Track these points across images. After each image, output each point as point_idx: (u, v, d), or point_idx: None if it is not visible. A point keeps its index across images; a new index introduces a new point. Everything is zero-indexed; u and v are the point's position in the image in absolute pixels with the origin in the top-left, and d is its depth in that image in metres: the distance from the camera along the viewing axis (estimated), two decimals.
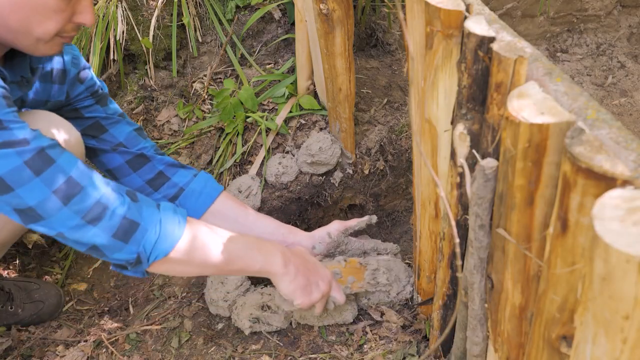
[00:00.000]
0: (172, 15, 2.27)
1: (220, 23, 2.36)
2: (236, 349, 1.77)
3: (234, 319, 1.82)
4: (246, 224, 1.76)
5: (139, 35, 2.23)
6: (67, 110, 1.64)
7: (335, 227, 1.81)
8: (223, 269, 1.49)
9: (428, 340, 1.73)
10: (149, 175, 1.73)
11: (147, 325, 1.84)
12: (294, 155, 2.18)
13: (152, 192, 1.73)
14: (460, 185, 1.18)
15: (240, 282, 1.85)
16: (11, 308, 1.84)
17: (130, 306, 1.92)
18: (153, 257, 1.35)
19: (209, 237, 1.44)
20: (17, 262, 2.05)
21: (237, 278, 1.84)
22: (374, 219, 1.86)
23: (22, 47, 1.29)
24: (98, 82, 1.68)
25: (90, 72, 1.66)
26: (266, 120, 2.19)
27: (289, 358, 1.74)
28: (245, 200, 2.10)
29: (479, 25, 0.99)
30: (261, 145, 2.19)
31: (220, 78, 2.34)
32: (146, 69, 2.30)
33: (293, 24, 2.34)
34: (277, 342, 1.78)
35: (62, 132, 1.53)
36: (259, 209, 2.12)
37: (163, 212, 1.38)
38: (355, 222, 1.83)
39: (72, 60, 1.59)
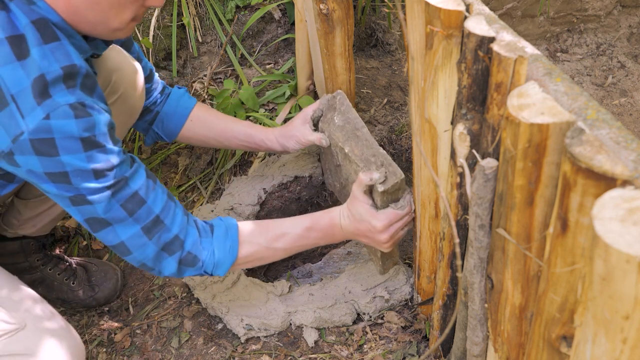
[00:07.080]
0: (172, 15, 2.27)
1: (220, 23, 2.36)
2: (236, 349, 1.77)
3: (229, 323, 1.81)
4: (220, 132, 1.86)
5: (139, 35, 2.23)
6: None
7: (301, 132, 1.81)
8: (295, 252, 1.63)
9: (428, 340, 1.73)
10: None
11: (147, 325, 1.84)
12: None
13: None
14: (460, 185, 1.18)
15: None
16: (73, 283, 1.90)
17: (130, 306, 1.92)
18: (216, 274, 1.53)
19: (263, 248, 1.57)
20: None
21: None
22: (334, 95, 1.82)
23: (99, 36, 1.33)
24: None
25: None
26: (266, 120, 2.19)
27: (289, 358, 1.74)
28: None
29: (479, 25, 0.99)
30: None
31: (220, 78, 2.34)
32: None
33: (293, 24, 2.34)
34: (277, 342, 1.78)
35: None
36: (259, 209, 2.12)
37: (216, 240, 1.50)
38: (311, 110, 1.82)
39: None
